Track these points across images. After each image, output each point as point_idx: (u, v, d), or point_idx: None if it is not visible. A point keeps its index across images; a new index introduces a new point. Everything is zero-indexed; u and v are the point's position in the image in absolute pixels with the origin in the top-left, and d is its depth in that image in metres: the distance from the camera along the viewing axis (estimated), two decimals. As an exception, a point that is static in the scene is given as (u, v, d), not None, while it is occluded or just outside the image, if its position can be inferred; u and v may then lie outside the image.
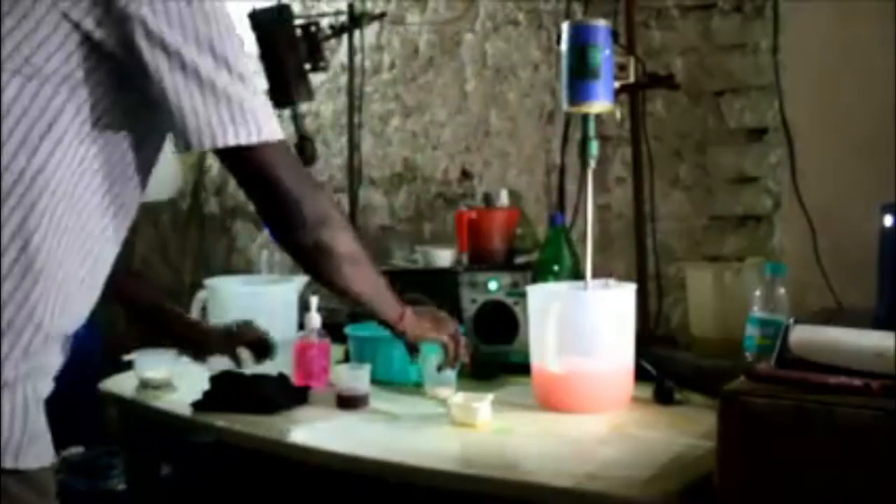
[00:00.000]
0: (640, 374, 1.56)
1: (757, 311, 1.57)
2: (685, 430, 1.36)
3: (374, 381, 1.58)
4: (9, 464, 1.02)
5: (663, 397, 1.53)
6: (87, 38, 1.03)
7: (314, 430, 1.43)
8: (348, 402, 1.54)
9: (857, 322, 1.26)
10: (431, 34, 2.44)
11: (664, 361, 1.63)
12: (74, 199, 1.06)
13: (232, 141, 1.07)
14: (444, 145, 2.44)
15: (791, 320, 1.23)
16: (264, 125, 1.10)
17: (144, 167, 1.16)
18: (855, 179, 1.78)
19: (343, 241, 1.24)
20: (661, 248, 2.06)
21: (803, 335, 1.16)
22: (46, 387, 1.11)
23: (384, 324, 1.42)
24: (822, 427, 1.00)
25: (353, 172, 2.53)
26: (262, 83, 1.09)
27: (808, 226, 1.85)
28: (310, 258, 1.24)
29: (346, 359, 1.77)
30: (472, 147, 2.38)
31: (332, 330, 1.75)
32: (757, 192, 1.98)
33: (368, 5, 2.45)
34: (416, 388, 1.63)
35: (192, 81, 1.05)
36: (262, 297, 1.95)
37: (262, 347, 1.62)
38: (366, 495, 1.32)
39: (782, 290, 1.57)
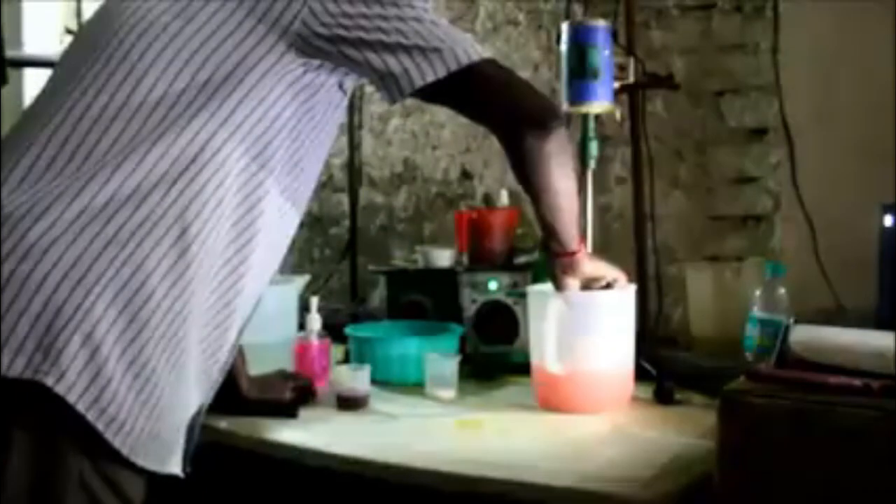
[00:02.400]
0: (640, 374, 1.56)
1: (757, 311, 1.57)
2: (685, 430, 1.35)
3: (374, 381, 1.58)
4: (125, 451, 1.04)
5: (663, 397, 1.53)
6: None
7: (313, 431, 1.43)
8: (348, 402, 1.53)
9: (857, 322, 1.26)
10: (431, 34, 2.44)
11: (664, 361, 1.63)
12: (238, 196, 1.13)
13: (431, 77, 1.16)
14: (444, 145, 2.44)
15: (791, 320, 1.24)
16: (459, 51, 1.17)
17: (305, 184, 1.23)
18: (855, 179, 1.78)
19: (566, 152, 1.29)
20: (661, 248, 2.06)
21: (803, 335, 1.16)
22: (185, 394, 1.12)
23: (555, 251, 1.41)
24: (821, 427, 1.00)
25: (353, 172, 2.53)
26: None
27: (808, 226, 1.85)
28: (536, 164, 1.27)
29: (346, 359, 1.77)
30: (472, 147, 2.38)
31: (332, 330, 1.75)
32: (757, 192, 1.98)
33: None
34: (417, 388, 1.63)
35: (378, 45, 1.15)
36: (262, 297, 1.95)
37: (307, 393, 1.59)
38: (365, 496, 1.32)
39: (782, 290, 1.57)
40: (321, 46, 1.15)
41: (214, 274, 1.12)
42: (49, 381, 0.99)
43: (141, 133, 1.09)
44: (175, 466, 1.15)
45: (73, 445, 1.03)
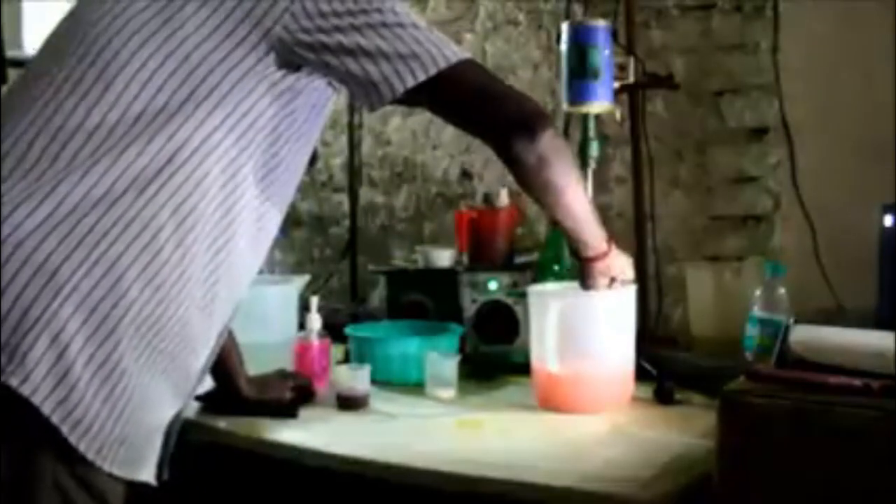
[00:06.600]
0: (640, 374, 1.56)
1: (757, 311, 1.57)
2: (685, 430, 1.35)
3: (374, 381, 1.58)
4: (91, 455, 1.03)
5: (663, 397, 1.53)
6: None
7: (313, 431, 1.42)
8: (348, 402, 1.53)
9: (857, 322, 1.26)
10: (431, 34, 2.44)
11: (664, 361, 1.63)
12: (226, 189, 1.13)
13: (411, 83, 1.14)
14: (444, 145, 2.44)
15: (791, 320, 1.24)
16: (437, 54, 1.16)
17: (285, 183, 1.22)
18: (855, 179, 1.78)
19: (562, 151, 1.24)
20: (661, 248, 2.06)
21: (803, 335, 1.16)
22: (158, 399, 1.12)
23: (578, 253, 1.39)
24: (821, 427, 1.00)
25: (353, 172, 2.53)
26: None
27: (808, 226, 1.86)
28: (531, 168, 1.22)
29: (346, 359, 1.77)
30: (472, 147, 2.38)
31: (332, 330, 1.75)
32: (757, 192, 1.98)
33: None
34: (417, 388, 1.63)
35: (359, 51, 1.14)
36: (262, 297, 1.95)
37: (308, 393, 1.58)
38: (365, 496, 1.32)
39: (782, 290, 1.57)
40: (301, 52, 1.14)
41: (191, 276, 1.10)
42: (14, 382, 0.99)
43: (113, 136, 1.07)
44: (148, 475, 1.14)
45: (45, 447, 1.02)
